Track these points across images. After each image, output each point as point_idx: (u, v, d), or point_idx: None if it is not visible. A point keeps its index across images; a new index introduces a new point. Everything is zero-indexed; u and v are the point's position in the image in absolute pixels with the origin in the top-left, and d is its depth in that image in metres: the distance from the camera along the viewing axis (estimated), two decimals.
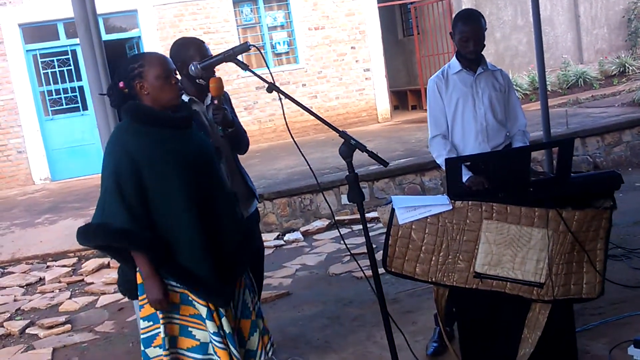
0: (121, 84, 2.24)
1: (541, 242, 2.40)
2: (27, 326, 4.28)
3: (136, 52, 10.07)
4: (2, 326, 4.31)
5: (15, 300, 4.88)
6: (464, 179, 2.74)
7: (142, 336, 2.33)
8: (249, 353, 2.43)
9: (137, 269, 2.25)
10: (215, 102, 2.65)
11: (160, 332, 2.26)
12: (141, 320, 2.32)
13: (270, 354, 2.49)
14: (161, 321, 2.23)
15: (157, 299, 2.18)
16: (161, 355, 2.26)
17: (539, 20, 4.72)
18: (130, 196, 2.13)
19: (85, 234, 2.17)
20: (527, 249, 2.41)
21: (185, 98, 2.71)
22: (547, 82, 5.05)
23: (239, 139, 2.90)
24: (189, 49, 2.78)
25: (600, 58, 12.69)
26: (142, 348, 2.32)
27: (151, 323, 2.29)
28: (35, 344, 3.95)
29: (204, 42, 2.86)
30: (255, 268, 2.75)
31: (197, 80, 2.59)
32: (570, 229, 2.40)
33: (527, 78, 11.55)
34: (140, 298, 2.29)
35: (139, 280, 2.26)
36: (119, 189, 2.13)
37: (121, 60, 2.33)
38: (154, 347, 2.29)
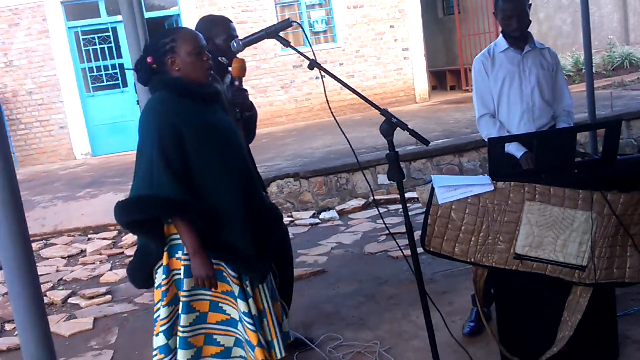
0: (149, 59, 2.18)
1: (584, 224, 2.35)
2: (69, 296, 4.41)
3: None
4: (45, 295, 4.44)
5: (57, 271, 5.04)
6: (518, 155, 2.70)
7: (163, 327, 2.18)
8: (285, 335, 2.41)
9: (165, 249, 2.17)
10: (237, 83, 2.63)
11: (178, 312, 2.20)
12: (164, 309, 2.17)
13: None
14: (183, 299, 2.15)
15: (208, 275, 2.10)
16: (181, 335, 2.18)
17: None
18: (178, 166, 2.06)
19: (133, 207, 2.07)
20: (569, 231, 2.36)
21: None
22: (592, 64, 4.89)
23: (252, 125, 2.86)
24: (217, 26, 2.77)
25: None
26: (164, 341, 2.17)
27: (173, 307, 2.20)
28: (76, 313, 4.08)
29: (231, 21, 2.84)
30: (279, 254, 2.72)
31: (219, 58, 2.57)
32: (615, 211, 2.34)
33: (571, 59, 11.23)
34: (164, 281, 2.17)
35: (165, 261, 2.17)
36: (166, 159, 2.05)
37: (151, 35, 2.27)
38: (175, 334, 2.20)
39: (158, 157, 2.05)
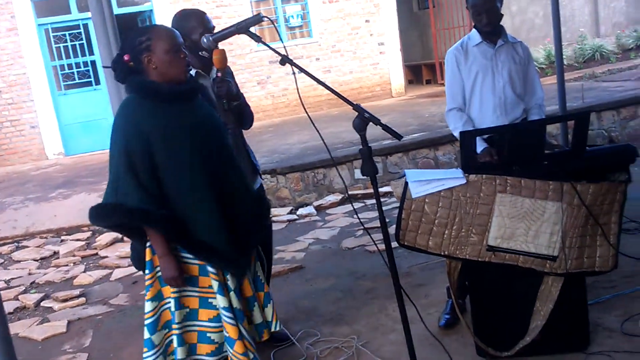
0: (126, 57, 2.18)
1: (555, 215, 2.38)
2: (42, 299, 4.34)
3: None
4: (17, 299, 4.37)
5: (30, 274, 4.95)
6: (479, 150, 2.73)
7: (147, 321, 2.27)
8: (266, 323, 2.47)
9: (147, 245, 2.25)
10: (219, 74, 2.62)
11: (165, 308, 2.25)
12: (148, 302, 2.28)
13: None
14: (172, 295, 2.23)
15: (173, 276, 2.17)
16: (164, 335, 2.25)
17: None
18: (143, 173, 2.11)
19: (100, 214, 2.15)
20: (540, 222, 2.39)
21: (192, 72, 2.69)
22: (564, 56, 4.96)
23: (243, 113, 2.86)
24: (191, 21, 2.74)
25: (618, 31, 12.45)
26: (147, 335, 2.27)
27: (157, 302, 2.27)
28: (50, 317, 4.01)
29: (205, 13, 2.81)
30: (263, 244, 2.75)
31: (200, 53, 2.56)
32: (585, 202, 2.38)
33: (543, 52, 11.37)
34: (148, 276, 2.27)
35: (148, 256, 2.25)
36: (131, 167, 2.10)
37: (128, 32, 2.26)
38: (160, 330, 2.28)
39: (124, 166, 2.11)
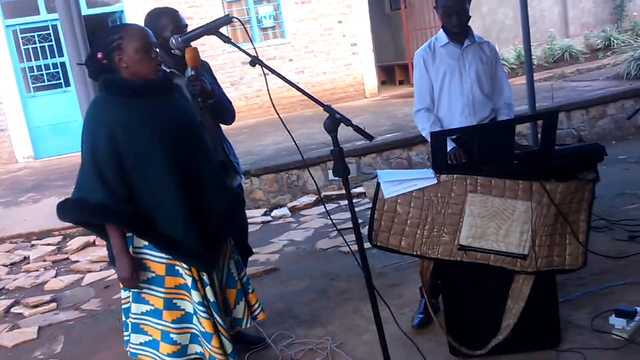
0: (99, 55, 2.20)
1: (525, 214, 2.41)
2: (12, 305, 4.25)
3: None
4: None
5: None
6: (447, 150, 2.75)
7: (123, 306, 2.37)
8: (235, 321, 2.50)
9: None
10: (192, 73, 2.60)
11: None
12: (122, 291, 2.37)
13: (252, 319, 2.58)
14: (134, 289, 2.29)
15: (126, 277, 2.20)
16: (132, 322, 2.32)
17: None
18: (107, 170, 2.13)
19: (63, 210, 2.18)
20: (510, 222, 2.42)
21: (166, 71, 2.66)
22: (533, 56, 5.05)
23: (221, 110, 2.84)
24: (162, 19, 2.72)
25: (586, 32, 12.71)
26: (124, 318, 2.37)
27: (130, 293, 2.34)
28: (20, 323, 3.93)
29: (177, 11, 2.80)
30: (238, 244, 2.74)
31: (172, 51, 2.54)
32: (554, 201, 2.41)
33: (514, 52, 11.54)
34: None
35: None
36: (95, 164, 2.13)
37: (101, 30, 2.29)
38: None
39: (88, 162, 2.15)
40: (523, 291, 2.49)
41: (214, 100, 2.73)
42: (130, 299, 2.30)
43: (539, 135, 3.23)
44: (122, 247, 2.20)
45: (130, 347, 2.34)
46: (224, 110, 2.88)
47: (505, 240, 2.43)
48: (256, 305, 2.63)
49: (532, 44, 4.91)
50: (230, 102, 2.93)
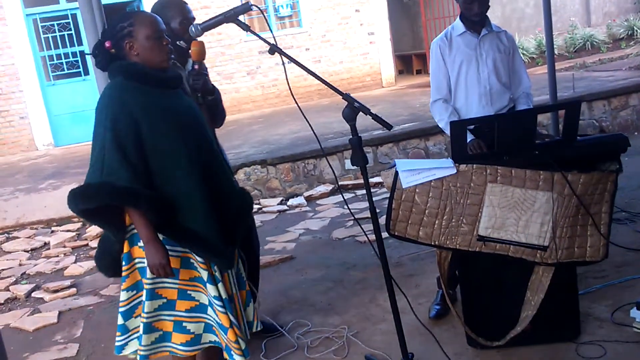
0: (107, 44, 2.13)
1: (546, 205, 2.38)
2: (33, 290, 4.32)
3: None
4: (8, 290, 4.35)
5: (20, 265, 4.92)
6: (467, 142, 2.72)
7: (121, 309, 2.22)
8: (247, 323, 2.41)
9: (126, 237, 2.15)
10: (196, 67, 2.58)
11: (142, 299, 2.19)
12: (123, 292, 2.21)
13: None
14: (146, 286, 2.14)
15: (161, 263, 2.06)
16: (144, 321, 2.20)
17: None
18: (131, 153, 2.02)
19: (82, 196, 2.02)
20: (531, 212, 2.39)
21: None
22: (554, 46, 4.96)
23: (217, 109, 2.79)
24: (170, 9, 2.70)
25: (609, 21, 12.47)
26: (121, 322, 2.23)
27: (134, 292, 2.21)
28: (41, 308, 4.00)
29: (186, 3, 2.77)
30: (246, 240, 2.69)
31: (177, 43, 2.51)
32: (575, 192, 2.38)
33: (534, 41, 11.38)
34: (124, 268, 2.19)
35: (126, 248, 2.17)
36: (119, 146, 2.01)
37: (110, 18, 2.22)
38: (135, 317, 2.24)
39: (110, 144, 2.01)
40: (543, 283, 2.46)
41: (213, 97, 2.70)
42: (144, 298, 2.16)
43: (561, 126, 3.19)
44: (151, 232, 2.05)
45: (140, 351, 2.20)
46: (220, 110, 2.82)
47: (525, 231, 2.40)
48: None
49: (553, 33, 4.83)
50: (222, 104, 2.87)
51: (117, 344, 2.25)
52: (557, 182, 2.38)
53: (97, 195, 2.00)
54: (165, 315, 2.23)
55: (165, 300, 2.21)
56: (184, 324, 2.24)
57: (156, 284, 2.18)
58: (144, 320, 2.18)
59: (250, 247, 2.90)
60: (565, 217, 2.41)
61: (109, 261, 2.22)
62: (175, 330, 2.24)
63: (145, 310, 2.16)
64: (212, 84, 2.74)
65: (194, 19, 2.71)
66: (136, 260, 2.19)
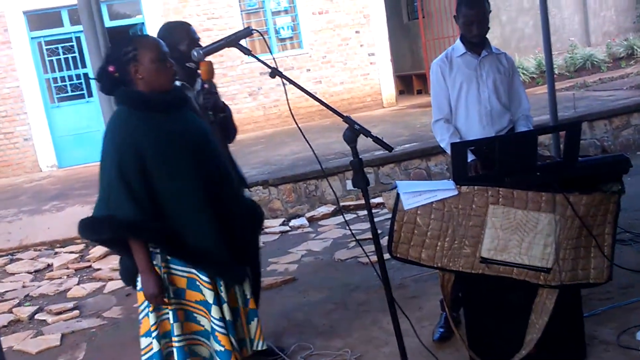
0: (111, 68, 2.17)
1: (548, 227, 2.38)
2: (36, 312, 4.31)
3: None
4: (12, 312, 4.35)
5: (23, 287, 4.92)
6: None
7: (154, 333, 2.26)
8: (249, 340, 2.42)
9: None
10: (206, 86, 2.62)
11: (163, 318, 2.24)
12: (150, 314, 2.26)
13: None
14: (172, 306, 2.21)
15: (153, 293, 2.14)
16: (150, 344, 2.24)
17: (545, 2, 4.66)
18: (136, 185, 2.08)
19: (90, 227, 2.12)
20: (534, 234, 2.39)
21: (177, 83, 2.69)
22: (554, 66, 5.00)
23: (229, 126, 2.86)
24: (177, 33, 2.76)
25: (608, 40, 12.56)
26: (158, 348, 2.26)
27: (158, 311, 2.25)
28: (44, 330, 3.99)
29: (191, 25, 2.84)
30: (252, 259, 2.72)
31: (187, 64, 2.56)
32: (578, 213, 2.38)
33: (534, 61, 11.44)
34: (139, 287, 2.25)
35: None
36: (124, 179, 2.07)
37: (112, 43, 2.27)
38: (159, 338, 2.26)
39: (116, 178, 2.09)
40: (547, 305, 2.44)
41: (225, 114, 2.74)
42: (171, 319, 2.20)
43: (562, 146, 3.20)
44: (147, 264, 2.14)
45: None
46: (231, 127, 2.89)
47: (528, 253, 2.39)
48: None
49: (552, 53, 4.86)
50: (233, 120, 2.93)
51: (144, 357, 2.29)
52: (559, 203, 2.38)
53: (101, 229, 2.10)
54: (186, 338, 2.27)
55: (180, 323, 2.25)
56: (193, 347, 2.27)
57: (179, 305, 2.23)
58: (177, 344, 2.21)
59: (255, 263, 2.92)
60: (568, 239, 2.40)
61: (131, 276, 2.29)
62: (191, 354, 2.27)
63: (175, 332, 2.21)
64: (223, 102, 2.78)
65: (199, 39, 2.76)
66: None
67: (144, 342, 2.27)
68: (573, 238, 2.41)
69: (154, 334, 2.23)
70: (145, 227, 2.08)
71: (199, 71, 2.55)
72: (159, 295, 2.15)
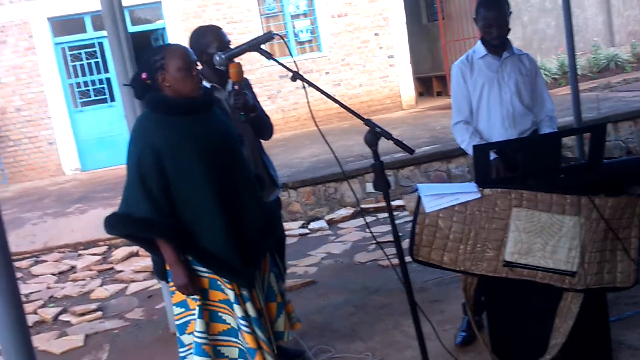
0: (144, 76, 2.28)
1: (573, 230, 2.34)
2: (60, 313, 4.38)
3: (161, 44, 10.15)
4: (36, 313, 4.41)
5: (48, 288, 4.99)
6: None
7: (175, 322, 2.39)
8: (276, 334, 2.50)
9: None
10: (236, 87, 2.65)
11: (191, 319, 2.30)
12: (174, 307, 2.38)
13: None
14: (198, 303, 2.28)
15: (184, 283, 2.24)
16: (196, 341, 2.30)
17: (568, 2, 4.60)
18: (152, 185, 2.19)
19: (111, 223, 2.23)
20: (558, 237, 2.35)
21: (207, 86, 2.72)
22: (577, 66, 4.92)
23: (261, 125, 2.90)
24: (207, 37, 2.81)
25: (633, 40, 12.36)
26: (177, 334, 2.38)
27: (183, 310, 2.34)
28: (67, 331, 4.05)
29: (221, 29, 2.88)
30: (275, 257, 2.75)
31: (216, 67, 2.59)
32: (604, 216, 2.34)
33: (556, 62, 11.31)
34: (170, 284, 2.34)
35: (168, 266, 2.31)
36: (141, 179, 2.18)
37: (144, 52, 2.38)
38: (188, 333, 2.34)
39: (135, 178, 2.20)
40: (572, 309, 2.40)
41: (255, 114, 2.77)
42: (197, 315, 2.28)
43: (586, 147, 3.15)
44: (174, 257, 2.24)
45: None
46: (264, 125, 2.93)
47: (553, 256, 2.36)
48: (292, 315, 2.64)
49: (575, 53, 4.80)
50: (268, 118, 2.97)
51: (180, 355, 2.39)
52: (584, 206, 2.34)
53: (119, 224, 2.22)
54: (209, 338, 2.32)
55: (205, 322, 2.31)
56: (218, 348, 2.32)
57: (204, 303, 2.29)
58: (197, 339, 2.29)
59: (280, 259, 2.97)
60: (593, 242, 2.36)
61: (162, 270, 2.39)
62: (215, 355, 2.32)
63: (197, 328, 2.29)
64: (254, 101, 2.81)
65: (229, 42, 2.80)
66: None
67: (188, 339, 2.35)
68: (598, 241, 2.37)
69: (176, 323, 2.36)
70: (159, 224, 2.18)
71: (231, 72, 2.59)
72: (189, 284, 2.24)
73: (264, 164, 2.99)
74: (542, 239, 2.36)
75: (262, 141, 3.06)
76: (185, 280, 2.23)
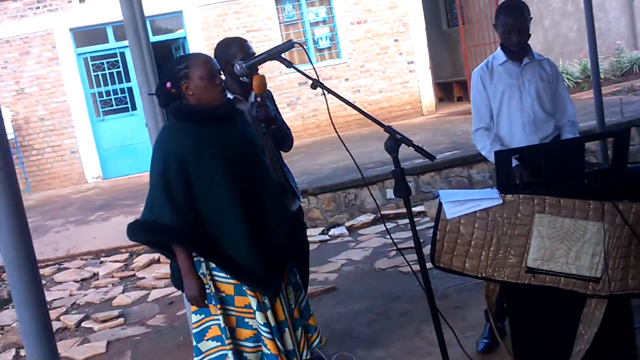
0: (168, 85, 2.31)
1: (597, 235, 2.31)
2: (82, 320, 4.43)
3: (182, 53, 10.28)
4: (59, 320, 4.47)
5: (70, 295, 5.06)
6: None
7: (193, 331, 2.38)
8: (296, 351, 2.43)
9: None
10: (258, 99, 2.67)
11: (212, 324, 2.31)
12: (192, 315, 2.39)
13: (310, 350, 2.49)
14: (219, 311, 2.28)
15: (194, 295, 2.26)
16: (215, 347, 2.31)
17: (590, 5, 4.55)
18: (177, 194, 2.20)
19: (134, 230, 2.25)
20: (581, 243, 2.32)
21: (230, 97, 2.75)
22: (600, 70, 4.86)
23: (282, 136, 2.91)
24: (232, 48, 2.83)
25: None
26: (195, 343, 2.37)
27: (202, 316, 2.34)
28: (90, 337, 4.09)
29: (246, 40, 2.90)
30: (299, 266, 2.75)
31: (240, 79, 2.62)
32: (628, 221, 2.30)
33: (579, 66, 11.18)
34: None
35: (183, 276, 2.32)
36: (166, 187, 2.20)
37: (167, 61, 2.42)
38: (206, 340, 2.34)
39: (160, 185, 2.22)
40: (596, 316, 2.37)
41: (276, 126, 2.79)
42: (222, 323, 2.28)
43: (609, 152, 3.11)
44: (189, 267, 2.25)
45: None
46: (285, 137, 2.95)
47: (576, 262, 2.33)
48: (316, 331, 2.55)
49: (598, 57, 4.74)
50: (289, 129, 2.99)
51: None
52: (608, 211, 2.31)
53: (142, 231, 2.24)
54: (230, 343, 2.31)
55: (227, 327, 2.31)
56: (244, 354, 2.32)
57: (224, 310, 2.30)
58: (229, 346, 2.28)
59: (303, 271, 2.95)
60: (617, 248, 2.33)
61: (179, 279, 2.37)
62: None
63: (228, 335, 2.28)
64: (275, 114, 2.83)
65: (254, 54, 2.82)
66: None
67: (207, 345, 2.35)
68: (623, 247, 2.33)
69: (193, 331, 2.34)
70: (184, 232, 2.20)
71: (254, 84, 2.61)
72: (198, 298, 2.26)
73: (285, 175, 3.00)
74: (566, 245, 2.33)
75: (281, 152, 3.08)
76: (197, 292, 2.25)
